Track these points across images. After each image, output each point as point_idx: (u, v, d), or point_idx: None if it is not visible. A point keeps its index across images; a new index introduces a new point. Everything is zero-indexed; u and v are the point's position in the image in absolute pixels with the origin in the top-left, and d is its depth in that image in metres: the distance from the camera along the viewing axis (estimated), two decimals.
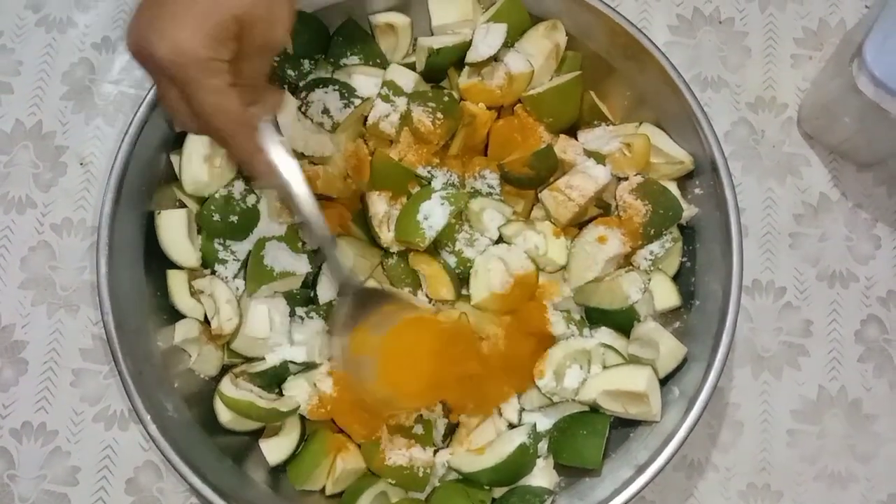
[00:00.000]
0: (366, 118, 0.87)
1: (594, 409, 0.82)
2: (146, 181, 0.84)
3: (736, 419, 0.90)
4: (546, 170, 0.85)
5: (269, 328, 0.82)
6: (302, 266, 0.82)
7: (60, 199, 0.95)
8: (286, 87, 0.86)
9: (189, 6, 0.59)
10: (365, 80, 0.87)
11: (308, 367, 0.84)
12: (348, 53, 0.88)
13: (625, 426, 0.82)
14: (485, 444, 0.81)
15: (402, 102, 0.85)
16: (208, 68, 0.59)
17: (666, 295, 0.84)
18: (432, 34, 0.90)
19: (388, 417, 0.81)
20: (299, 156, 0.84)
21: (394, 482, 0.81)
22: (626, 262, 0.86)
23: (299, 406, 0.82)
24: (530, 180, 0.86)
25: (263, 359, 0.83)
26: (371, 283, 0.86)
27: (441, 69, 0.89)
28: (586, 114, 0.90)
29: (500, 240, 0.86)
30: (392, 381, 0.79)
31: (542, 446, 0.83)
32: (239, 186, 0.85)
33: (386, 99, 0.85)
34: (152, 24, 0.59)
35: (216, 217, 0.83)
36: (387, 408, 0.81)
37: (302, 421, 0.83)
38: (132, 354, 0.79)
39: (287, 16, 0.63)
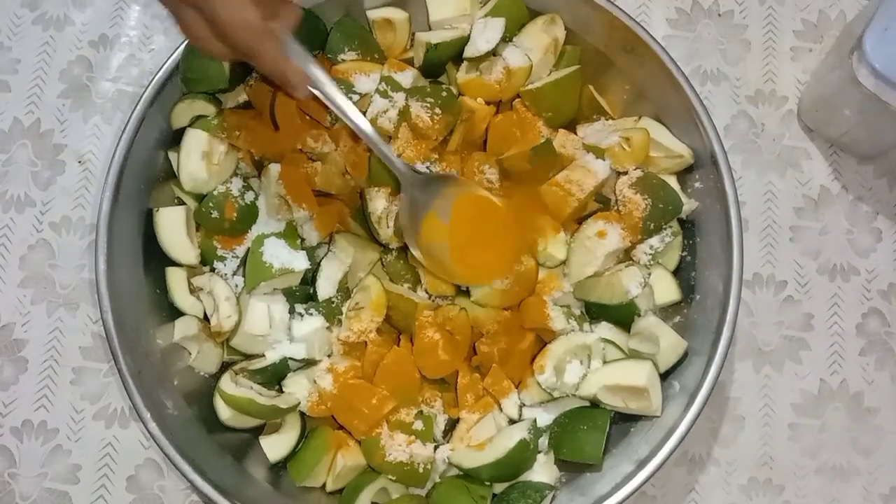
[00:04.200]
0: (364, 114, 0.86)
1: (595, 404, 0.82)
2: (144, 179, 0.84)
3: (737, 413, 0.90)
4: (545, 164, 0.85)
5: (269, 325, 0.82)
6: (301, 262, 0.82)
7: (59, 197, 0.95)
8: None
9: None
10: (363, 76, 0.87)
11: (308, 363, 0.84)
12: (346, 49, 0.88)
13: (625, 421, 0.82)
14: (485, 440, 0.81)
15: (400, 98, 0.85)
16: None
17: (666, 289, 0.84)
18: (430, 29, 0.90)
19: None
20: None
21: (394, 478, 0.81)
22: (625, 256, 0.86)
23: (299, 403, 0.82)
24: (529, 175, 0.86)
25: (263, 356, 0.83)
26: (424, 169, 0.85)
27: (439, 64, 0.89)
28: (585, 108, 0.90)
29: None
30: (466, 261, 0.82)
31: (543, 441, 0.83)
32: (237, 183, 0.85)
33: (384, 95, 0.85)
34: None
35: (215, 214, 0.83)
36: (466, 282, 0.83)
37: (302, 418, 0.83)
38: (132, 352, 0.79)
39: None
